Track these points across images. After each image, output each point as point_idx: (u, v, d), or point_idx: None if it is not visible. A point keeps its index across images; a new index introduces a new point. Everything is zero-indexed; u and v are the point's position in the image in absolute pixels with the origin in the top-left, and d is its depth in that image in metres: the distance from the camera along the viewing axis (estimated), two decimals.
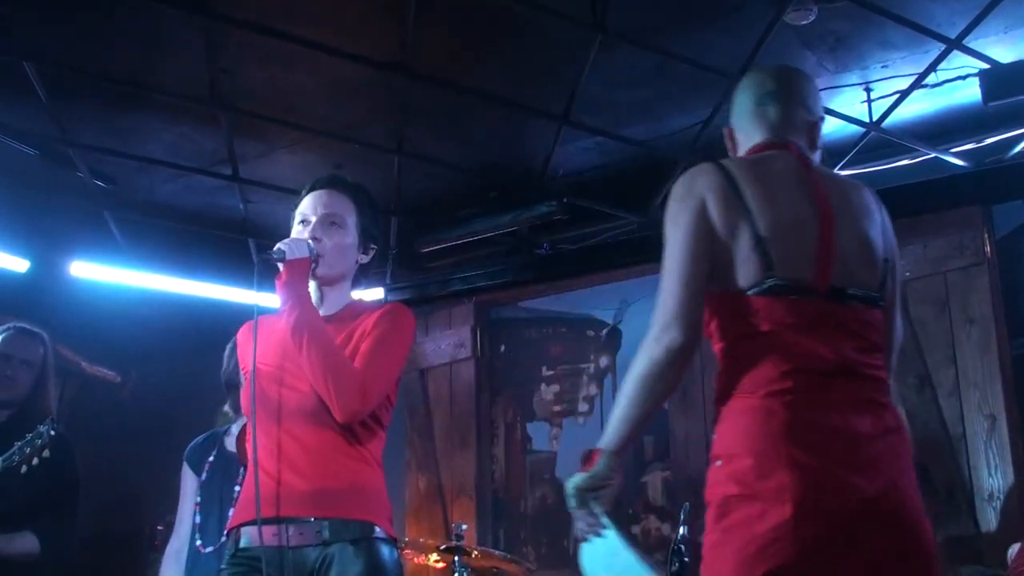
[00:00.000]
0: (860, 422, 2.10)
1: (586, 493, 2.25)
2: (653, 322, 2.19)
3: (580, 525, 2.28)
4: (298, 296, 2.72)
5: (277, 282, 2.72)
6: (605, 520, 2.24)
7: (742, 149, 2.46)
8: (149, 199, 5.80)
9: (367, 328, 2.77)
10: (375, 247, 2.93)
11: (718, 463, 2.13)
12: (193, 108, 4.74)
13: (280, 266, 2.72)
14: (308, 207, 2.85)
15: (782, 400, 2.09)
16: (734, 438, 2.13)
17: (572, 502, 2.26)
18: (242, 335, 2.96)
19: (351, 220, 2.85)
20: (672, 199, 2.27)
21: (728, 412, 2.19)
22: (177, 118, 4.93)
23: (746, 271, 2.17)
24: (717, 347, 2.28)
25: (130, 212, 5.75)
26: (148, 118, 4.93)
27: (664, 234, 2.25)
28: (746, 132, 2.48)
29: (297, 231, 2.84)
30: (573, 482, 2.26)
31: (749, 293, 2.16)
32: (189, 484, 3.87)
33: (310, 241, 2.76)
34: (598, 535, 2.25)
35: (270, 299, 2.87)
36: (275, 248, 2.70)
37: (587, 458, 2.27)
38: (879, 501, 2.03)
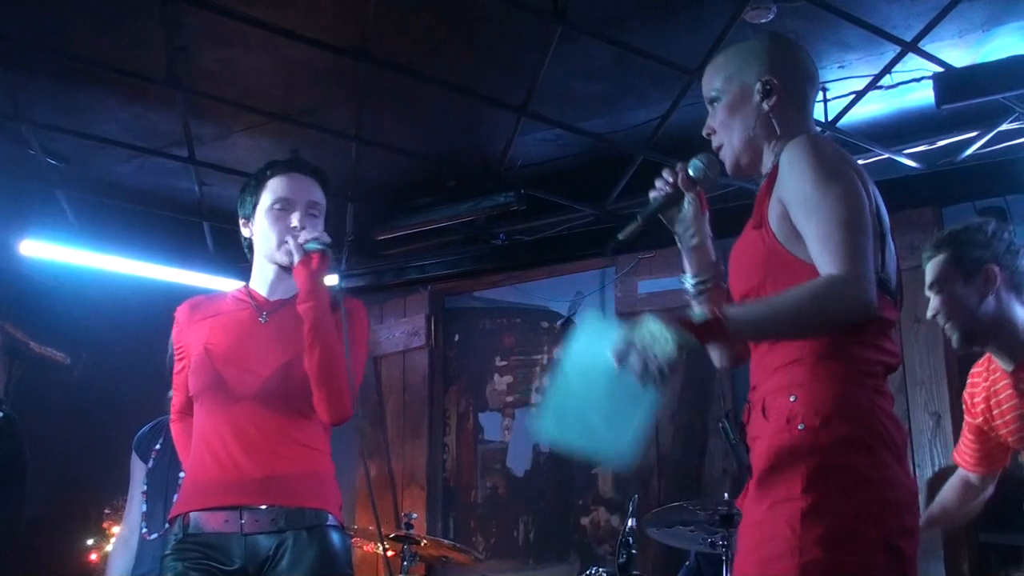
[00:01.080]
0: None
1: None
2: (842, 260, 1.98)
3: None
4: (322, 291, 2.72)
5: (303, 269, 2.70)
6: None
7: (797, 125, 2.27)
8: (103, 178, 5.73)
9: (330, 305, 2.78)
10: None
11: (821, 425, 1.99)
12: (149, 88, 4.69)
13: (313, 255, 2.70)
14: (290, 191, 2.81)
15: (877, 386, 2.09)
16: (842, 406, 2.02)
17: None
18: (181, 314, 2.92)
19: (323, 202, 2.88)
20: (824, 154, 2.09)
21: (828, 378, 2.05)
22: (133, 98, 4.87)
23: None
24: None
25: (83, 191, 5.68)
26: (103, 96, 4.87)
27: (814, 181, 2.06)
28: (803, 108, 2.32)
29: (274, 212, 2.79)
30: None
31: None
32: (137, 472, 3.87)
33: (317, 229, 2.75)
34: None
35: (216, 281, 2.86)
36: (319, 236, 2.70)
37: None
38: None
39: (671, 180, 2.36)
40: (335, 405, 2.68)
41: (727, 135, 2.32)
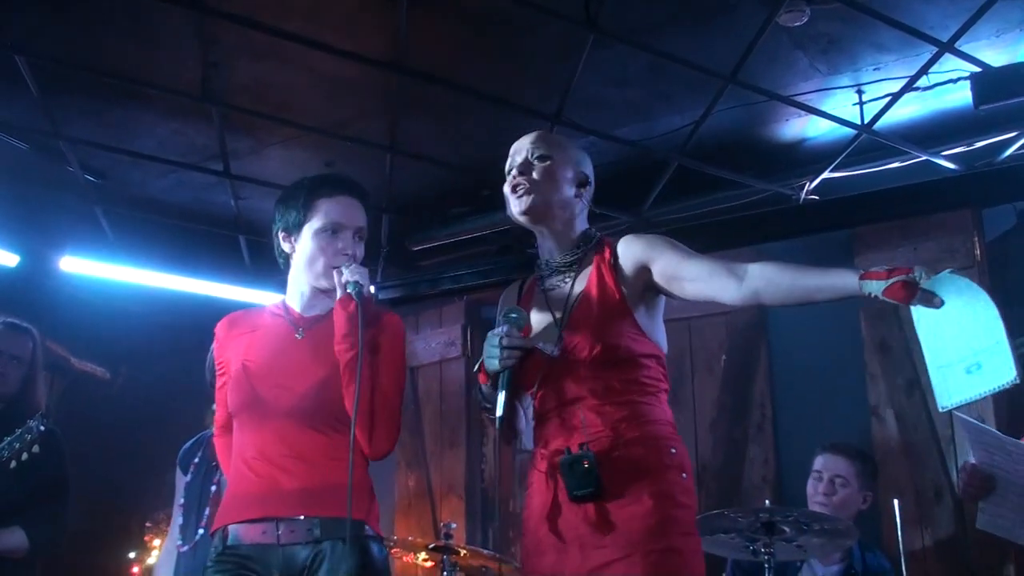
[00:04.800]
0: None
1: None
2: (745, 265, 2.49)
3: None
4: (356, 334, 2.67)
5: (342, 311, 2.68)
6: None
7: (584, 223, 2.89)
8: (140, 194, 5.78)
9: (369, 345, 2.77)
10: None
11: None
12: (185, 103, 4.73)
13: (352, 296, 2.68)
14: (343, 215, 2.81)
15: None
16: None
17: None
18: (220, 330, 2.94)
19: (365, 233, 2.87)
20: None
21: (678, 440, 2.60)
22: (169, 113, 4.92)
23: None
24: (657, 387, 2.65)
25: (121, 207, 5.73)
26: (140, 113, 4.92)
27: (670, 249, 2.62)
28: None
29: (325, 236, 2.78)
30: None
31: None
32: (179, 485, 3.91)
33: (361, 267, 2.76)
34: None
35: (252, 295, 2.87)
36: (361, 281, 2.69)
37: None
38: None
39: (516, 344, 2.58)
40: (375, 440, 2.70)
41: (539, 188, 2.80)
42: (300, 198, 2.82)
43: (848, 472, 4.16)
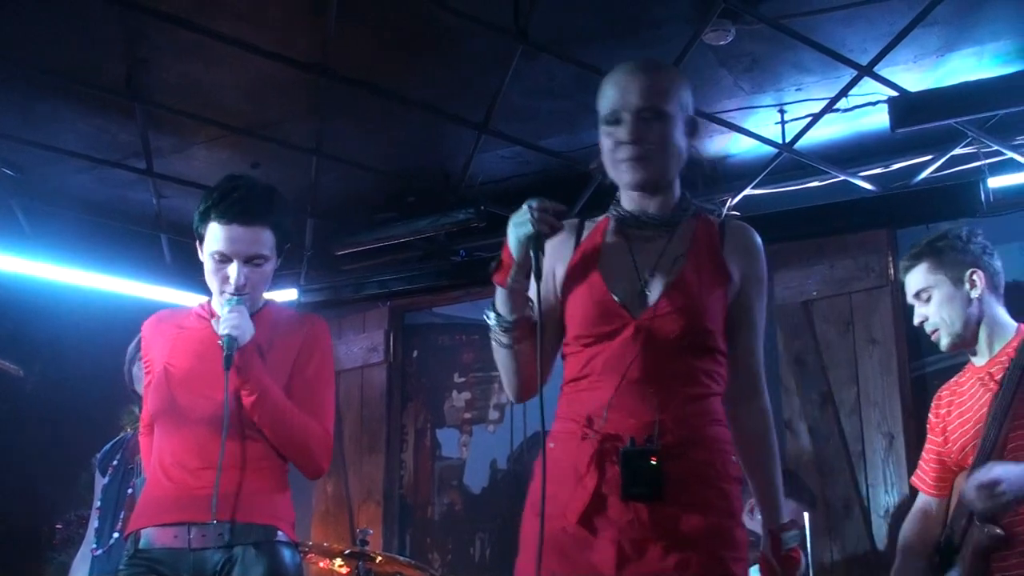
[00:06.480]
0: None
1: None
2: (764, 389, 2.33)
3: None
4: (257, 380, 2.67)
5: (232, 367, 2.63)
6: None
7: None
8: (59, 190, 5.67)
9: (295, 354, 2.80)
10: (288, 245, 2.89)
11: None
12: (108, 99, 4.66)
13: (235, 352, 2.63)
14: (225, 245, 2.69)
15: None
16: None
17: None
18: (147, 328, 2.91)
19: (270, 248, 2.77)
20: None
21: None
22: (92, 109, 4.84)
23: None
24: (721, 387, 2.28)
25: (39, 202, 5.62)
26: (61, 107, 4.83)
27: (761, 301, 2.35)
28: None
29: (213, 261, 2.72)
30: None
31: None
32: (97, 488, 3.87)
33: (243, 311, 2.69)
34: None
35: (173, 294, 2.85)
36: (225, 336, 2.62)
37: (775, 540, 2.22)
38: None
39: (552, 207, 2.21)
40: (304, 466, 2.78)
41: (660, 152, 2.27)
42: (200, 210, 2.74)
43: None
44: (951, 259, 3.06)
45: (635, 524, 2.07)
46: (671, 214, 2.32)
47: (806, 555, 4.01)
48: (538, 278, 2.18)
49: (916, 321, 3.15)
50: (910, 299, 3.16)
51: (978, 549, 2.80)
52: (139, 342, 3.15)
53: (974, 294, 3.02)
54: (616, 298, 2.22)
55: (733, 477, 2.18)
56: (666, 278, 2.22)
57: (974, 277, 3.02)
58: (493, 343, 2.31)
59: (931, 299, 3.08)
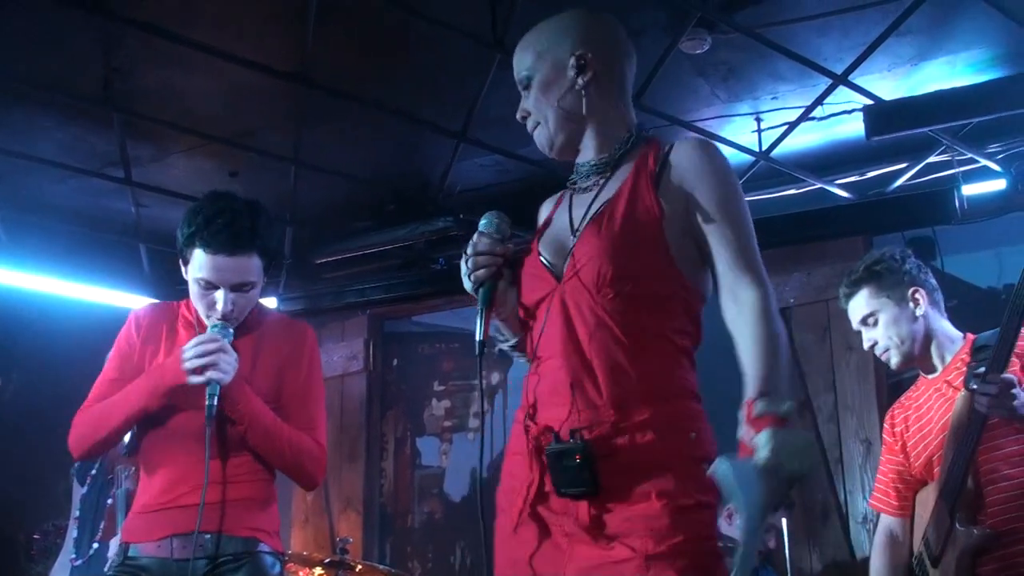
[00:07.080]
0: None
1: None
2: (763, 273, 2.04)
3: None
4: (245, 412, 2.68)
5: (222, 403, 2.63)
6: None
7: (616, 102, 2.22)
8: (37, 198, 5.65)
9: (283, 360, 2.83)
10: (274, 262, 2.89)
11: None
12: (86, 108, 4.65)
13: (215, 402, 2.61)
14: (211, 274, 2.66)
15: None
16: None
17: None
18: (142, 317, 2.87)
19: (257, 274, 2.75)
20: (729, 165, 2.09)
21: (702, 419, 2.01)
22: (70, 117, 4.82)
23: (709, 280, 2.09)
24: (683, 343, 2.04)
25: (16, 211, 5.60)
26: (38, 116, 4.81)
27: (738, 200, 2.06)
28: (621, 84, 2.24)
29: (199, 287, 2.70)
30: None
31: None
32: (75, 498, 3.86)
33: (227, 346, 2.66)
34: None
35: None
36: (209, 383, 2.58)
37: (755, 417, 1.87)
38: None
39: (496, 252, 2.14)
40: (297, 479, 2.83)
41: (542, 115, 2.21)
42: (184, 233, 2.69)
43: None
44: (891, 281, 3.15)
45: (575, 520, 1.93)
46: (607, 158, 2.18)
47: (785, 559, 4.03)
48: (487, 315, 2.12)
49: (866, 346, 3.22)
50: (856, 326, 3.24)
51: (967, 550, 2.83)
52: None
53: (919, 312, 3.11)
54: (544, 260, 2.15)
55: (685, 456, 1.93)
56: (585, 226, 2.10)
57: (916, 296, 3.12)
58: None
59: (878, 322, 3.16)
